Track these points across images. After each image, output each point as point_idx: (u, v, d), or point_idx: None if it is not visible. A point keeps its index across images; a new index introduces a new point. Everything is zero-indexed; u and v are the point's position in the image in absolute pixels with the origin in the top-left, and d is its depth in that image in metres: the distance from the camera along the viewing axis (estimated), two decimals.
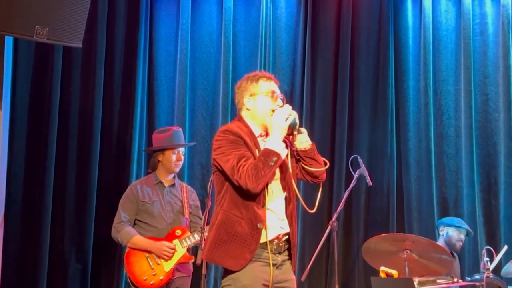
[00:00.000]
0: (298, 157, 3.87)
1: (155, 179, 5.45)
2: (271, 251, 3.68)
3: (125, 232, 5.26)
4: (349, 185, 5.64)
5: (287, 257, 3.81)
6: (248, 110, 3.87)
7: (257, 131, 3.84)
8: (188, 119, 6.64)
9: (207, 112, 6.72)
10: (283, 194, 3.82)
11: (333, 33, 7.01)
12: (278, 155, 3.59)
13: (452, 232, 6.11)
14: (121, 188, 5.74)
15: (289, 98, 6.87)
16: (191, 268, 5.38)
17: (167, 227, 5.30)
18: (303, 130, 3.86)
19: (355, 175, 5.64)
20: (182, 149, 5.52)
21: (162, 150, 5.44)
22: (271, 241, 3.69)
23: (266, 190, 3.68)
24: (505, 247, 5.76)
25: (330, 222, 5.38)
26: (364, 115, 6.95)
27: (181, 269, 5.30)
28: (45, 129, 6.15)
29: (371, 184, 5.72)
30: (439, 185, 6.93)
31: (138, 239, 5.23)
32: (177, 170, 5.49)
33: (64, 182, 6.26)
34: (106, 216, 5.78)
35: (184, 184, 5.62)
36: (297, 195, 3.84)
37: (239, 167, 3.58)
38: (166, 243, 5.20)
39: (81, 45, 5.08)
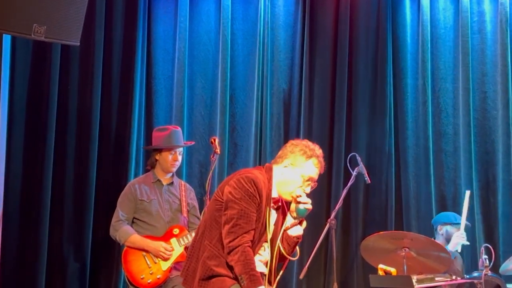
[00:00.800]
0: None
1: (154, 178, 5.45)
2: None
3: (122, 231, 5.26)
4: (348, 183, 5.63)
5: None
6: (282, 173, 3.86)
7: (274, 193, 3.86)
8: (186, 117, 6.64)
9: (205, 110, 6.72)
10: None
11: (331, 31, 7.00)
12: None
13: (451, 229, 6.10)
14: (119, 187, 5.74)
15: (287, 96, 6.89)
16: None
17: (165, 226, 5.30)
18: (304, 224, 3.95)
19: (354, 173, 5.63)
20: (179, 149, 5.51)
21: (159, 150, 5.44)
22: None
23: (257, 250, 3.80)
24: (468, 193, 5.72)
25: (329, 220, 5.38)
26: (363, 113, 6.95)
27: (179, 268, 5.29)
28: (43, 128, 6.15)
29: (369, 182, 5.72)
30: (437, 183, 6.93)
31: (136, 238, 5.24)
32: (174, 170, 5.49)
33: (62, 180, 6.25)
34: (105, 215, 5.79)
35: (183, 182, 5.62)
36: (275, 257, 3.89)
37: (237, 226, 3.66)
38: (163, 243, 5.20)
39: (79, 43, 5.09)
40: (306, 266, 5.26)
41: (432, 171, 6.91)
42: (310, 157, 3.86)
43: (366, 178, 5.66)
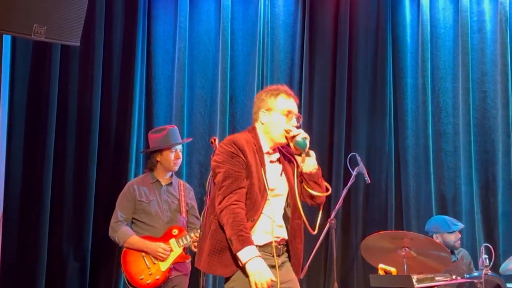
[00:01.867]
0: (301, 178, 3.90)
1: (152, 178, 5.45)
2: (270, 253, 3.71)
3: (121, 232, 5.26)
4: (348, 183, 5.64)
5: (286, 259, 3.85)
6: (262, 124, 3.88)
7: (265, 147, 3.87)
8: (186, 117, 6.64)
9: (205, 110, 6.72)
10: (282, 207, 3.87)
11: (331, 31, 7.01)
12: (241, 253, 3.56)
13: (446, 237, 6.10)
14: (119, 187, 5.73)
15: None
16: (189, 267, 5.38)
17: (164, 226, 5.29)
18: (312, 153, 3.88)
19: (354, 173, 5.64)
20: (180, 147, 5.51)
21: (159, 150, 5.43)
22: (267, 245, 3.72)
23: (263, 204, 3.74)
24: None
25: (329, 220, 5.39)
26: (362, 113, 6.96)
27: (179, 268, 5.30)
28: (43, 128, 6.14)
29: (369, 181, 5.73)
30: (437, 182, 6.94)
31: (134, 239, 5.24)
32: (176, 168, 5.49)
33: (63, 181, 6.25)
34: (105, 216, 5.78)
35: (182, 182, 5.61)
36: (301, 214, 3.85)
37: (223, 188, 3.67)
38: (161, 244, 5.20)
39: (79, 44, 5.09)
40: (306, 265, 5.26)
41: (432, 170, 6.92)
42: (278, 94, 3.89)
43: (366, 178, 5.67)
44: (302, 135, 3.80)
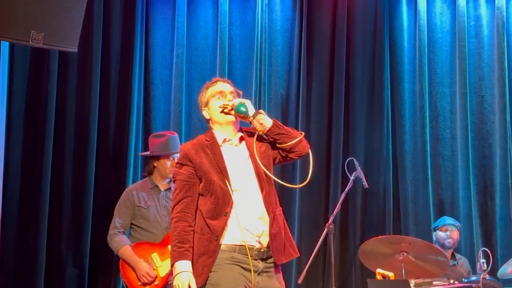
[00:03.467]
0: (272, 140, 3.89)
1: (151, 184, 5.46)
2: (251, 256, 3.70)
3: (115, 241, 5.29)
4: (345, 188, 5.65)
5: (271, 265, 3.78)
6: (209, 119, 3.95)
7: (220, 137, 3.88)
8: (184, 122, 6.65)
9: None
10: (251, 187, 3.80)
11: (328, 36, 7.02)
12: (174, 266, 3.67)
13: (436, 234, 6.13)
14: (117, 192, 5.73)
15: (285, 100, 6.89)
16: None
17: (163, 232, 5.30)
18: (259, 113, 3.82)
19: (351, 178, 5.65)
20: (177, 155, 5.51)
21: (157, 156, 5.44)
22: (241, 246, 3.71)
23: (230, 200, 3.73)
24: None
25: (327, 224, 5.39)
26: (360, 118, 6.97)
27: None
28: (41, 134, 6.15)
29: (367, 186, 5.74)
30: (435, 187, 6.94)
31: (125, 252, 5.24)
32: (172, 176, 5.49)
33: (61, 186, 6.25)
34: (103, 221, 5.79)
35: None
36: (268, 176, 3.79)
37: (173, 200, 3.82)
38: (147, 269, 5.17)
39: (76, 50, 5.09)
40: (305, 270, 5.26)
41: (429, 175, 6.92)
42: (206, 87, 3.99)
43: (364, 183, 5.67)
44: (236, 101, 3.81)
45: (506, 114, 7.00)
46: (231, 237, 3.72)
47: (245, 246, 3.68)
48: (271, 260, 3.77)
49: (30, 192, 6.12)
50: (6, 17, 4.67)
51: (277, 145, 3.86)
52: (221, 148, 3.84)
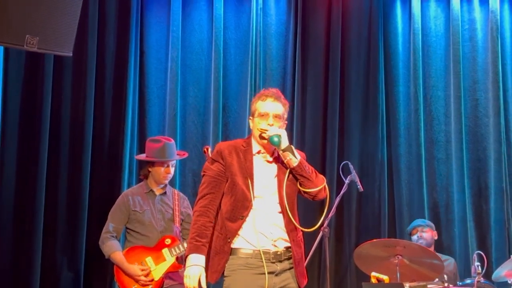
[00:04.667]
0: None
1: (147, 188, 5.46)
2: (268, 260, 3.77)
3: (107, 246, 5.30)
4: (340, 191, 5.66)
5: (288, 266, 3.86)
6: (251, 129, 4.00)
7: (256, 148, 3.95)
8: (179, 126, 6.65)
9: (198, 119, 6.73)
10: (273, 199, 3.89)
11: (323, 40, 7.03)
12: (188, 258, 3.79)
13: (411, 239, 6.12)
14: (113, 196, 5.74)
15: None
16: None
17: (158, 236, 5.30)
18: (287, 151, 3.85)
19: (346, 181, 5.66)
20: (173, 162, 5.52)
21: (151, 162, 5.45)
22: (266, 252, 3.78)
23: (250, 205, 3.81)
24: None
25: (322, 228, 5.39)
26: (355, 121, 6.98)
27: (173, 277, 5.30)
28: (36, 138, 6.14)
29: (362, 190, 5.75)
30: (429, 190, 6.95)
31: (116, 257, 5.25)
32: (166, 182, 5.48)
33: (56, 189, 6.25)
34: (98, 225, 5.76)
35: (176, 191, 5.61)
36: (287, 211, 3.86)
37: (199, 193, 3.91)
38: (139, 272, 5.18)
39: (71, 54, 5.09)
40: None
41: (424, 178, 6.94)
42: (257, 99, 3.99)
43: (358, 186, 5.68)
44: (271, 132, 3.82)
45: (500, 117, 7.03)
46: (245, 240, 3.80)
47: (259, 251, 3.76)
48: (290, 261, 3.85)
49: (25, 195, 6.11)
50: (0, 22, 4.67)
51: (298, 183, 3.92)
52: (254, 157, 3.92)
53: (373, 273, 4.97)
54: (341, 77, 6.98)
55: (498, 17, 7.16)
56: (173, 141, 5.60)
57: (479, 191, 7.01)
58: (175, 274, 5.31)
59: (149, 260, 5.24)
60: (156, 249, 5.25)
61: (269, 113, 3.90)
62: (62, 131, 6.33)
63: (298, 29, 6.95)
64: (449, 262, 6.20)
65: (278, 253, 3.82)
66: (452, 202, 6.92)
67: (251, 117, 3.99)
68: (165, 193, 5.47)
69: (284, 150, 3.83)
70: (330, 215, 5.55)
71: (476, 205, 7.00)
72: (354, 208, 6.84)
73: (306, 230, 3.94)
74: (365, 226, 6.84)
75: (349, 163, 5.78)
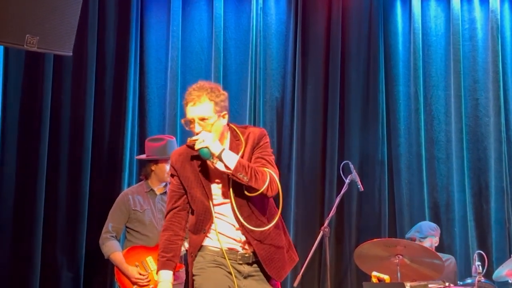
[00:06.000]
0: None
1: (147, 187, 5.46)
2: (235, 260, 3.73)
3: (106, 246, 5.31)
4: (341, 191, 5.65)
5: (256, 269, 3.77)
6: None
7: None
8: (179, 126, 6.63)
9: None
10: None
11: (323, 39, 7.03)
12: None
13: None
14: (112, 196, 5.73)
15: (280, 104, 6.89)
16: (184, 276, 5.38)
17: (158, 235, 5.27)
18: (225, 155, 3.59)
19: (347, 181, 5.65)
20: None
21: (155, 160, 5.44)
22: (230, 250, 3.73)
23: (211, 216, 3.73)
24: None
25: (322, 227, 5.39)
26: (355, 121, 6.97)
27: (174, 277, 5.28)
28: (36, 138, 6.14)
29: (362, 189, 5.74)
30: (430, 190, 6.95)
31: (116, 258, 5.26)
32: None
33: (56, 190, 6.25)
34: (98, 225, 5.76)
35: None
36: (238, 217, 3.68)
37: (164, 215, 3.98)
38: (136, 274, 5.18)
39: (71, 54, 5.08)
40: (300, 274, 5.26)
41: (424, 178, 6.93)
42: (183, 103, 3.78)
43: (359, 186, 5.68)
44: (199, 145, 3.59)
45: (501, 117, 7.02)
46: (211, 239, 3.76)
47: (222, 250, 3.71)
48: (256, 265, 3.77)
49: (25, 195, 6.11)
50: (0, 21, 4.67)
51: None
52: (207, 161, 3.70)
53: (374, 273, 4.97)
54: (341, 76, 6.98)
55: (499, 17, 7.15)
56: (174, 139, 5.61)
57: (480, 191, 7.01)
58: (175, 273, 5.29)
59: (149, 259, 5.24)
60: (157, 248, 5.23)
61: (194, 118, 3.67)
62: (62, 131, 6.32)
63: (298, 29, 6.95)
64: (450, 261, 6.19)
65: (246, 255, 3.74)
66: (452, 201, 6.92)
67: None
68: (165, 192, 5.46)
69: (217, 159, 3.58)
70: (330, 215, 5.54)
71: (476, 204, 6.99)
72: (354, 208, 6.83)
73: (257, 229, 3.67)
74: (366, 225, 6.84)
75: (350, 162, 5.77)
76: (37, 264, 6.02)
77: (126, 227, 5.39)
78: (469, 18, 7.23)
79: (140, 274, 5.18)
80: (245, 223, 3.66)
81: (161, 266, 3.79)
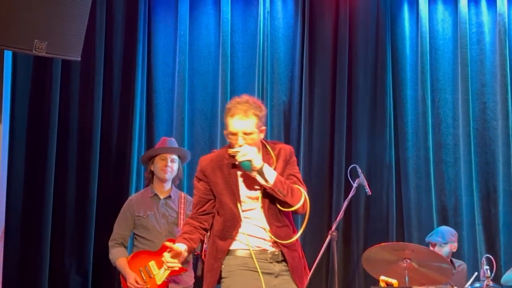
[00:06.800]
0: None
1: (151, 192, 5.46)
2: (265, 259, 3.77)
3: (111, 254, 5.37)
4: (348, 195, 5.66)
5: (285, 268, 3.85)
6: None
7: None
8: (187, 130, 6.66)
9: (206, 123, 6.73)
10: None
11: (330, 43, 7.03)
12: None
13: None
14: (121, 200, 5.74)
15: (287, 108, 6.89)
16: (189, 280, 5.38)
17: (162, 240, 5.27)
18: (265, 169, 3.73)
19: (354, 185, 5.66)
20: (173, 157, 5.49)
21: (151, 158, 5.45)
22: (260, 250, 3.79)
23: (238, 223, 3.80)
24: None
25: (330, 231, 5.40)
26: (363, 125, 6.97)
27: (177, 280, 5.30)
28: (45, 142, 6.16)
29: (370, 193, 5.75)
30: (438, 193, 6.94)
31: (120, 263, 5.31)
32: (167, 176, 5.44)
33: (64, 194, 6.26)
34: (106, 229, 5.77)
35: (183, 195, 5.60)
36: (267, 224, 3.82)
37: (189, 217, 4.01)
38: (133, 280, 5.19)
39: (79, 59, 5.10)
40: (308, 277, 5.26)
41: (432, 182, 6.92)
42: (226, 115, 3.78)
43: (366, 190, 5.68)
44: (241, 157, 3.67)
45: (509, 120, 7.00)
46: (240, 242, 3.80)
47: (250, 251, 3.76)
48: (284, 264, 3.84)
49: (33, 199, 6.13)
50: (9, 27, 4.69)
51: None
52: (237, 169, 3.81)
53: (382, 277, 4.96)
54: (348, 80, 6.97)
55: (506, 20, 7.13)
56: (173, 138, 5.63)
57: (488, 195, 6.99)
58: (179, 277, 5.31)
59: (152, 264, 5.25)
60: (160, 253, 5.22)
61: (238, 132, 3.73)
62: (70, 135, 6.34)
63: (306, 33, 6.95)
64: (462, 267, 6.19)
65: (276, 253, 3.81)
66: (460, 205, 6.90)
67: (225, 133, 3.81)
68: (169, 196, 5.47)
69: (257, 172, 3.70)
70: (338, 219, 5.55)
71: (484, 208, 6.97)
72: (362, 212, 6.82)
73: (281, 241, 3.83)
74: (373, 229, 6.83)
75: (357, 166, 5.77)
76: (46, 269, 6.04)
77: (134, 233, 5.41)
78: (477, 22, 7.22)
79: (137, 282, 5.18)
80: (273, 237, 3.80)
81: (177, 241, 3.81)
